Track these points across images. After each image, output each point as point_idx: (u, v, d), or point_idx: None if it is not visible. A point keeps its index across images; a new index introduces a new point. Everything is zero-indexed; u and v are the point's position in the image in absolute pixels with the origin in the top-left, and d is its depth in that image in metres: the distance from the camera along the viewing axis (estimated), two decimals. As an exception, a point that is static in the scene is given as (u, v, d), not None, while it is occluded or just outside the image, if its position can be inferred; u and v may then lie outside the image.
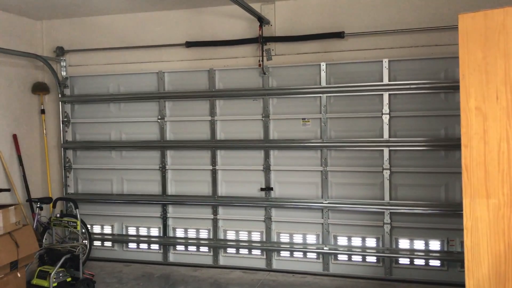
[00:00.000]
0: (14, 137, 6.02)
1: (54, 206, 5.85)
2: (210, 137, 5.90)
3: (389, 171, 5.32)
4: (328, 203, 5.52)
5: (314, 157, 5.60)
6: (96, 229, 6.36)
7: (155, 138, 6.10)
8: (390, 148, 5.31)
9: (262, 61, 5.57)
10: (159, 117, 6.06)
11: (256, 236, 5.81)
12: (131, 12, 6.04)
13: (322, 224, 5.56)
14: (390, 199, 5.33)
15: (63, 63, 6.37)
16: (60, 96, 6.35)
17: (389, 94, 5.27)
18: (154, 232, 6.16)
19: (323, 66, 5.47)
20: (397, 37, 5.20)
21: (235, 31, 5.72)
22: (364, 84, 5.34)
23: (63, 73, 6.37)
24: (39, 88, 6.35)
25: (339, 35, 5.35)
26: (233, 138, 5.85)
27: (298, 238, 5.67)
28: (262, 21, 5.47)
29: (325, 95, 5.50)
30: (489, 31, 2.85)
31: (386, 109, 5.29)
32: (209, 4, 5.65)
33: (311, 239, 5.63)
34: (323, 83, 5.49)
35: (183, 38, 5.90)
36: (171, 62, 6.00)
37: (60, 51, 6.34)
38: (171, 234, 6.09)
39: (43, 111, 6.41)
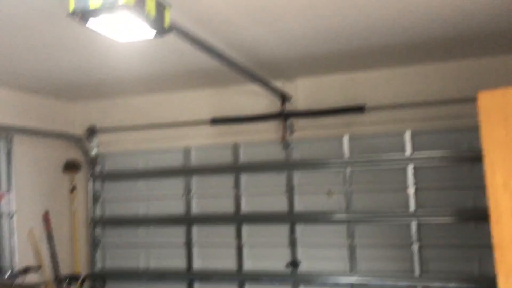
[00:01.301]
0: (45, 214, 6.17)
1: (82, 283, 5.86)
2: (235, 211, 5.93)
3: (418, 244, 5.21)
4: (357, 279, 5.38)
5: (340, 230, 5.54)
6: (122, 306, 6.30)
7: (181, 213, 6.16)
8: (418, 221, 5.23)
9: (285, 135, 5.70)
10: (185, 192, 6.15)
11: (284, 314, 5.65)
12: (159, 92, 6.33)
13: (352, 300, 5.40)
14: (421, 273, 5.18)
15: (94, 142, 6.62)
16: (90, 173, 6.55)
17: (414, 167, 5.28)
18: (180, 309, 6.06)
19: (346, 139, 5.55)
20: (419, 109, 5.28)
21: (258, 107, 5.91)
22: (388, 157, 5.37)
23: (94, 151, 6.60)
24: (71, 166, 6.57)
25: (360, 108, 5.47)
26: (258, 211, 5.86)
27: (327, 316, 5.50)
28: (284, 97, 5.65)
29: (348, 167, 5.54)
30: (509, 108, 2.90)
31: (410, 181, 5.27)
32: (232, 83, 5.89)
33: (341, 316, 5.45)
34: (346, 156, 5.55)
35: (208, 115, 6.11)
36: (197, 138, 6.18)
37: (92, 131, 6.61)
38: (197, 312, 5.98)
39: (73, 189, 6.59)
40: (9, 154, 5.57)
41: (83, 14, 2.51)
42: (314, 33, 4.09)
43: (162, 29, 2.79)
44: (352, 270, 5.42)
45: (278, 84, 5.73)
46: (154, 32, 2.78)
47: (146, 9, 2.57)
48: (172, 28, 2.91)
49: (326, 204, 5.62)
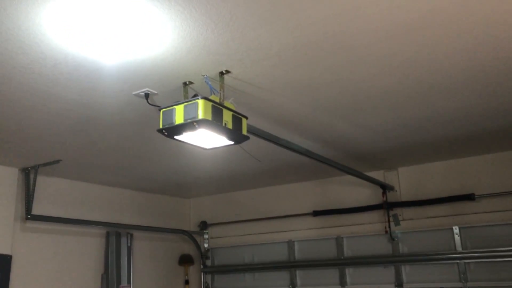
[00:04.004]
0: (161, 307, 6.51)
1: None
2: (342, 308, 5.69)
3: None
4: None
5: (459, 333, 4.99)
6: None
7: (287, 308, 6.08)
8: (552, 324, 4.53)
9: (390, 227, 5.49)
10: (290, 286, 6.10)
11: None
12: (263, 187, 6.60)
13: None
14: None
15: (205, 236, 6.99)
16: (202, 267, 6.86)
17: (539, 259, 4.69)
18: None
19: (456, 230, 5.17)
20: (536, 195, 4.80)
21: (360, 198, 5.83)
22: (505, 249, 4.85)
23: (206, 245, 6.95)
24: (185, 260, 6.96)
25: (469, 197, 5.12)
26: (366, 309, 5.56)
27: None
28: (385, 187, 5.53)
29: (462, 261, 5.09)
30: None
31: (536, 276, 4.66)
32: (333, 175, 5.94)
33: None
34: (459, 248, 5.13)
35: (311, 207, 6.17)
36: (300, 231, 6.22)
37: (204, 225, 7.02)
38: None
39: (187, 282, 6.92)
40: (129, 250, 6.11)
41: (170, 130, 2.86)
42: (402, 125, 4.07)
43: (240, 137, 3.03)
44: None
45: (379, 174, 5.66)
46: (232, 141, 3.04)
47: (223, 121, 2.85)
48: (250, 133, 3.15)
49: (441, 302, 5.16)
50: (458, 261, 5.12)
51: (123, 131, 3.96)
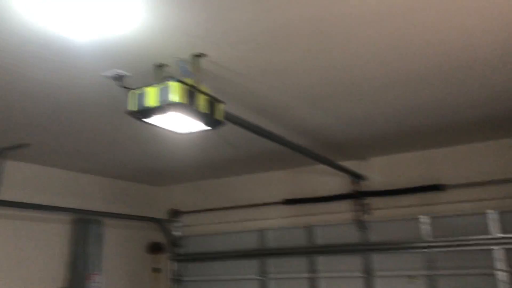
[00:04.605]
0: (130, 295, 6.43)
1: None
2: (312, 296, 5.73)
3: (516, 338, 4.61)
4: None
5: (425, 319, 5.10)
6: None
7: (257, 296, 6.09)
8: (514, 311, 4.67)
9: (360, 216, 5.54)
10: (261, 274, 6.10)
11: None
12: (236, 175, 6.56)
13: None
14: None
15: (176, 224, 6.91)
16: (172, 255, 6.79)
17: (504, 249, 4.81)
18: None
19: (425, 219, 5.26)
20: (502, 186, 4.91)
21: (331, 188, 5.86)
22: (472, 238, 4.97)
23: (176, 233, 6.87)
24: (155, 248, 6.87)
25: (438, 187, 5.21)
26: (336, 297, 5.62)
27: None
28: (357, 177, 5.57)
29: (430, 250, 5.19)
30: None
31: (500, 265, 4.78)
32: (305, 164, 5.95)
33: None
34: (426, 238, 5.22)
35: (283, 196, 6.17)
36: (272, 219, 6.21)
37: (175, 213, 6.94)
38: None
39: (156, 270, 6.84)
40: (99, 237, 5.99)
41: (141, 113, 2.78)
42: (376, 115, 4.09)
43: (215, 122, 2.98)
44: None
45: (351, 164, 5.69)
46: (207, 126, 2.98)
47: (198, 105, 2.79)
48: (227, 120, 3.09)
49: (409, 289, 5.25)
50: (425, 250, 5.22)
51: (94, 114, 3.84)
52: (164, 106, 2.70)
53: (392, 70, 3.15)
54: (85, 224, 5.85)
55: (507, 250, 4.81)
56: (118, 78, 3.09)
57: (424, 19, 2.52)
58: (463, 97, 3.71)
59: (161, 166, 5.89)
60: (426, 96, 3.66)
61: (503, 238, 4.83)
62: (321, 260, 5.82)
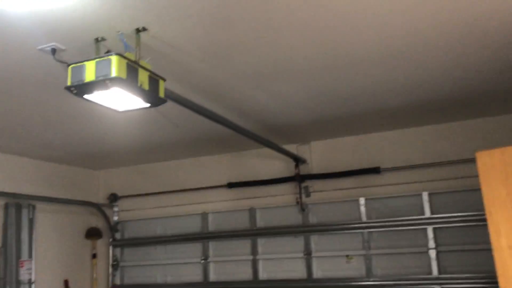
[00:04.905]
0: (66, 282, 6.21)
1: None
2: (253, 278, 5.79)
3: (443, 312, 4.91)
4: None
5: (361, 297, 5.30)
6: None
7: (199, 279, 6.07)
8: (442, 287, 4.96)
9: (300, 198, 5.65)
10: (203, 257, 6.09)
11: None
12: (178, 159, 6.48)
13: None
14: None
15: (115, 209, 6.74)
16: (111, 240, 6.62)
17: (433, 228, 5.09)
18: None
19: (362, 201, 5.45)
20: (434, 169, 5.17)
21: (274, 171, 5.93)
22: (406, 219, 5.21)
23: (115, 218, 6.70)
24: (92, 233, 6.67)
25: (376, 170, 5.40)
26: (276, 278, 5.71)
27: None
28: (298, 160, 5.66)
29: (366, 230, 5.39)
30: (509, 167, 2.81)
31: (432, 243, 5.06)
32: (248, 148, 5.97)
33: None
34: (364, 219, 5.41)
35: (225, 180, 6.16)
36: (214, 203, 6.21)
37: (113, 198, 6.75)
38: None
39: (94, 256, 6.65)
40: (31, 222, 5.72)
41: (79, 88, 2.66)
42: (320, 97, 4.16)
43: (157, 100, 2.90)
44: None
45: (293, 147, 5.77)
46: (148, 103, 2.90)
47: (139, 81, 2.70)
48: (168, 97, 3.02)
49: (346, 269, 5.43)
50: (362, 231, 5.41)
51: (27, 90, 3.63)
52: (103, 81, 2.59)
53: (332, 51, 3.20)
54: (17, 208, 5.57)
55: (436, 229, 5.09)
56: (56, 52, 2.93)
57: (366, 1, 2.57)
58: (401, 81, 3.85)
59: (99, 149, 5.69)
60: (366, 79, 3.76)
61: (433, 218, 5.09)
62: (262, 242, 5.89)
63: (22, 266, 5.51)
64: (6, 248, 5.37)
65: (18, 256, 5.49)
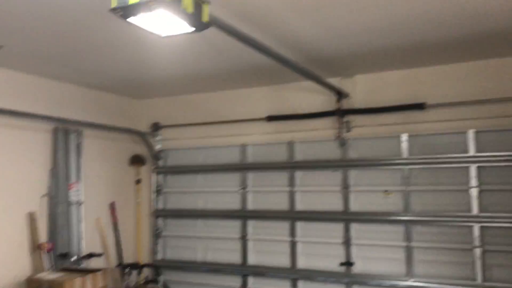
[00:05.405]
0: (112, 205, 6.55)
1: (140, 272, 6.15)
2: (290, 208, 5.93)
3: (480, 249, 4.91)
4: (413, 282, 5.17)
5: (397, 231, 5.35)
6: (180, 296, 6.54)
7: (237, 208, 6.27)
8: (481, 224, 4.93)
9: (341, 133, 5.61)
10: (242, 187, 6.25)
11: (336, 314, 5.57)
12: (219, 90, 6.49)
13: (407, 304, 5.20)
14: (483, 280, 4.87)
15: (158, 137, 6.92)
16: (154, 167, 6.86)
17: (477, 167, 4.98)
18: (235, 303, 6.17)
19: (404, 137, 5.36)
20: (482, 107, 4.98)
21: (314, 105, 5.87)
22: (450, 156, 5.11)
23: (158, 147, 6.90)
24: (136, 160, 6.92)
25: (420, 106, 5.25)
26: (313, 209, 5.82)
27: (381, 319, 5.34)
28: (341, 94, 5.57)
29: (407, 167, 5.34)
30: None
31: (473, 182, 4.98)
32: (289, 81, 5.89)
33: (396, 320, 5.26)
34: (405, 155, 5.35)
35: (265, 112, 6.16)
36: (254, 135, 6.26)
37: (156, 127, 6.91)
38: (250, 306, 6.06)
39: (138, 181, 6.94)
40: (79, 147, 5.97)
41: (124, 10, 2.65)
42: (367, 28, 4.00)
43: (201, 24, 2.87)
44: (409, 273, 5.22)
45: (336, 81, 5.66)
46: (192, 27, 2.87)
47: (183, 4, 2.66)
48: (212, 23, 2.98)
49: (383, 204, 5.46)
50: (403, 167, 5.37)
51: (73, 15, 3.65)
52: (147, 3, 2.57)
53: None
54: (65, 133, 5.80)
55: (480, 168, 4.98)
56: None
57: None
58: (450, 13, 3.63)
59: (144, 78, 5.77)
60: (414, 9, 3.56)
61: (477, 156, 4.98)
62: (300, 175, 5.96)
63: (71, 188, 5.82)
64: (58, 170, 5.66)
65: (68, 178, 5.79)
